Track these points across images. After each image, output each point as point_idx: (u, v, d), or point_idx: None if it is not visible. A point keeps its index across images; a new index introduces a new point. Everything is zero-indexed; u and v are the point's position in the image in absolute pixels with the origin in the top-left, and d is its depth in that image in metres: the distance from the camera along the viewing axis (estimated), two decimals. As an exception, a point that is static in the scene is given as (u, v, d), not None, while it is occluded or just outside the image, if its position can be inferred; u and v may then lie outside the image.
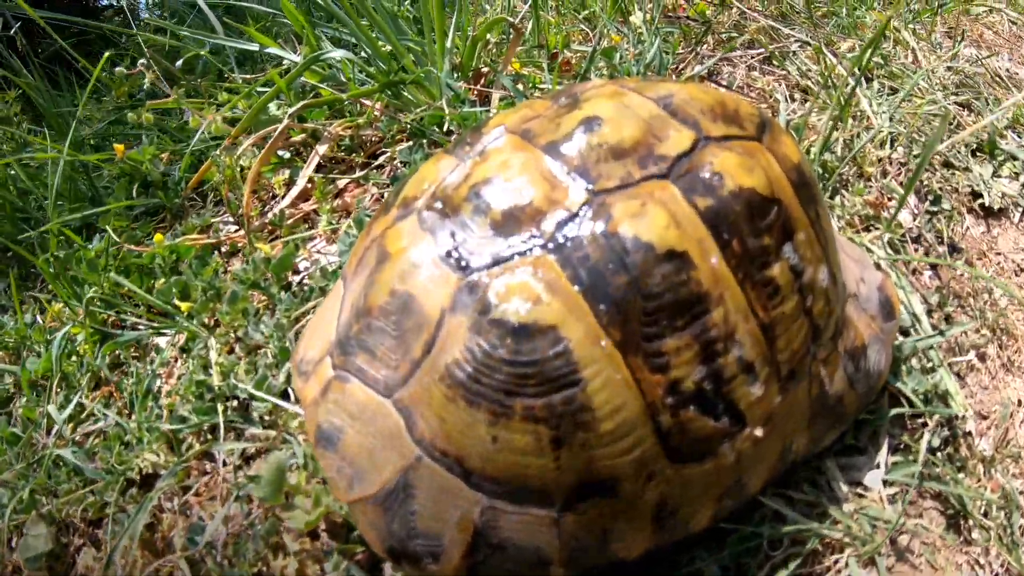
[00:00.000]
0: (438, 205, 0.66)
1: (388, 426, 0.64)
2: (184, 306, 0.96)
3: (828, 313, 0.73)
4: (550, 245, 0.60)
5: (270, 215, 1.07)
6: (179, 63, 1.23)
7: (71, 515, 0.91)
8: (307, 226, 1.08)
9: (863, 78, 1.20)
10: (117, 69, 1.17)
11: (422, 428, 0.62)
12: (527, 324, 0.58)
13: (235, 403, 0.90)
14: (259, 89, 1.19)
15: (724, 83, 1.14)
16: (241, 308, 0.93)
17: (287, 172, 1.13)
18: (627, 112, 0.68)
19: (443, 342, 0.60)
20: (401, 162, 1.03)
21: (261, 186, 1.12)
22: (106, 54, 1.12)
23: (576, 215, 0.61)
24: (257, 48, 1.18)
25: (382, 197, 1.07)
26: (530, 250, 0.60)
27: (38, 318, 1.13)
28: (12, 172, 1.22)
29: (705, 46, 1.25)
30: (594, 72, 1.07)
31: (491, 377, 0.59)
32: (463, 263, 0.61)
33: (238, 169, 1.10)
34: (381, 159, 1.13)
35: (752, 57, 1.21)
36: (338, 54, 1.09)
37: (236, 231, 1.11)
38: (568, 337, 0.58)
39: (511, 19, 1.09)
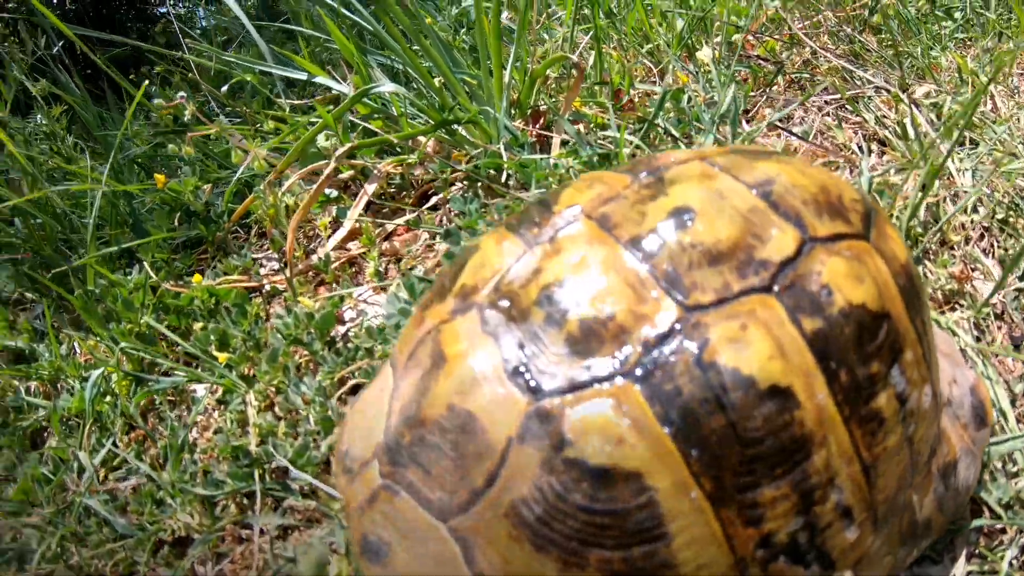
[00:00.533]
0: (503, 304, 0.55)
1: (443, 552, 0.54)
2: (222, 357, 0.87)
3: (927, 437, 0.61)
4: (636, 373, 0.49)
5: (315, 258, 0.97)
6: (224, 88, 1.13)
7: (100, 569, 0.83)
8: (353, 270, 0.98)
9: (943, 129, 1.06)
10: (156, 101, 1.07)
11: (482, 564, 0.52)
12: (608, 468, 0.48)
13: (273, 467, 0.81)
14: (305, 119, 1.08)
15: (798, 132, 1.01)
16: (282, 366, 0.83)
17: (333, 210, 1.03)
18: (722, 204, 0.56)
19: (509, 475, 0.50)
20: (456, 212, 0.92)
21: (306, 221, 1.02)
22: (144, 84, 1.02)
23: (666, 337, 0.50)
24: (306, 77, 1.07)
25: (434, 241, 0.96)
26: (612, 377, 0.50)
27: (76, 346, 1.05)
28: (54, 190, 1.13)
29: (775, 86, 1.11)
30: (663, 117, 0.95)
31: (563, 523, 0.49)
32: (533, 384, 0.51)
33: (283, 205, 0.99)
34: (433, 200, 1.02)
35: (827, 103, 1.08)
36: (389, 88, 0.97)
37: (278, 271, 1.02)
38: (654, 487, 0.48)
39: (573, 57, 0.96)
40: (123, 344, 0.95)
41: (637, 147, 0.93)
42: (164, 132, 1.11)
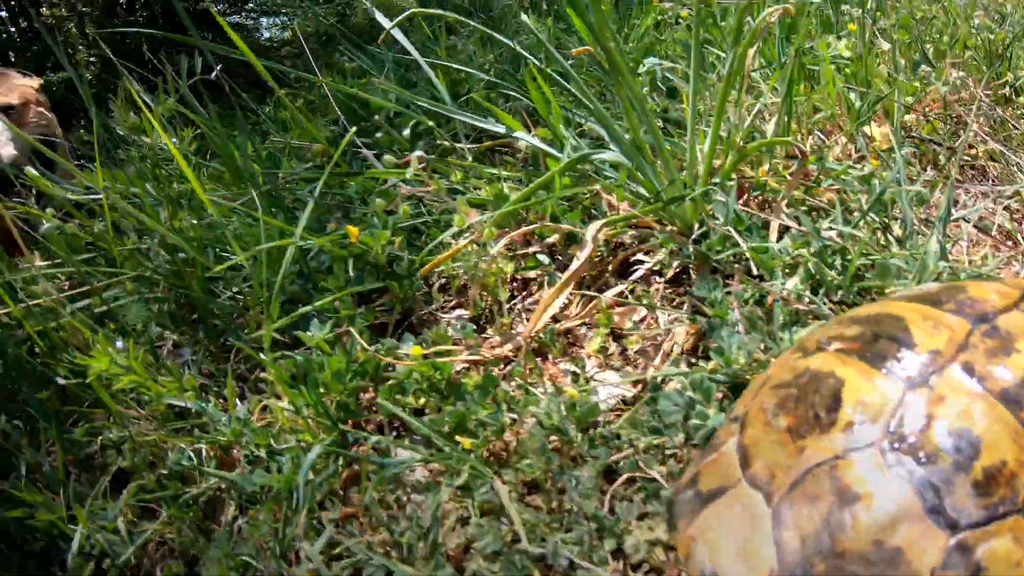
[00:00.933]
0: (906, 446, 0.77)
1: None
2: (466, 442, 1.02)
3: None
4: (1024, 510, 0.75)
5: (529, 326, 1.13)
6: (407, 132, 1.23)
7: None
8: (567, 340, 1.16)
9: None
10: (386, 157, 1.16)
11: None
12: (1016, 590, 0.73)
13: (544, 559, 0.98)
14: (493, 170, 1.23)
15: (971, 219, 1.30)
16: (547, 457, 1.00)
17: (523, 268, 1.19)
18: (1059, 361, 0.82)
19: (932, 601, 0.73)
20: (697, 296, 1.11)
21: (498, 282, 1.17)
22: (351, 132, 1.11)
23: (1046, 482, 0.76)
24: (503, 130, 1.21)
25: (655, 320, 1.15)
26: (1009, 514, 0.74)
27: (240, 404, 1.14)
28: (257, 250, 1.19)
29: (942, 169, 1.40)
30: (871, 217, 1.20)
31: (978, 637, 0.73)
32: (951, 522, 0.74)
33: (484, 266, 1.15)
34: (640, 271, 1.21)
35: (990, 189, 1.38)
36: (609, 156, 1.15)
37: (482, 335, 1.17)
38: (1042, 601, 0.74)
39: (799, 144, 1.18)
40: (315, 413, 1.07)
41: (850, 236, 1.17)
42: (341, 175, 1.19)
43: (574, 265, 1.03)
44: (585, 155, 1.15)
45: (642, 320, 1.17)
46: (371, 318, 1.20)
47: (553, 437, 1.05)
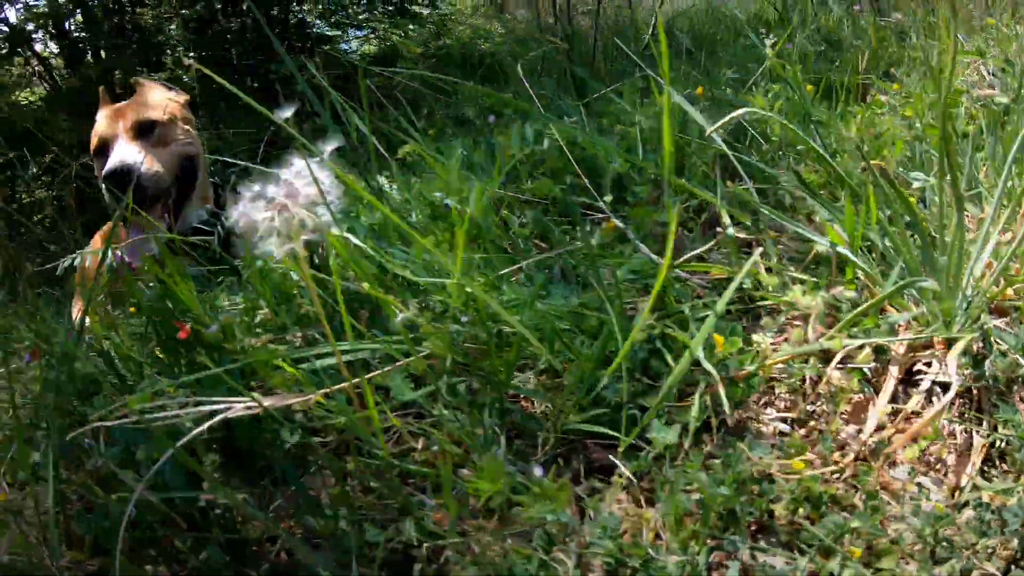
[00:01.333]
0: None
1: None
2: (856, 552, 1.23)
3: None
4: None
5: (865, 438, 1.37)
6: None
7: None
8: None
9: None
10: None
11: None
12: None
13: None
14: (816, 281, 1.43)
15: None
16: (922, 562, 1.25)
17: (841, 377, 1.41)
18: None
19: None
20: (1001, 420, 1.40)
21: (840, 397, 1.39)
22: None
23: None
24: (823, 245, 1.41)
25: (953, 435, 1.43)
26: None
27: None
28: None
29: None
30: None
31: None
32: None
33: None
34: (923, 383, 1.48)
35: None
36: (928, 284, 1.41)
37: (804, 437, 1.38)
38: None
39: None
40: (700, 521, 1.24)
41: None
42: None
43: (946, 397, 1.28)
44: (910, 283, 1.39)
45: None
46: (700, 417, 1.36)
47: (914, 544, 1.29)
